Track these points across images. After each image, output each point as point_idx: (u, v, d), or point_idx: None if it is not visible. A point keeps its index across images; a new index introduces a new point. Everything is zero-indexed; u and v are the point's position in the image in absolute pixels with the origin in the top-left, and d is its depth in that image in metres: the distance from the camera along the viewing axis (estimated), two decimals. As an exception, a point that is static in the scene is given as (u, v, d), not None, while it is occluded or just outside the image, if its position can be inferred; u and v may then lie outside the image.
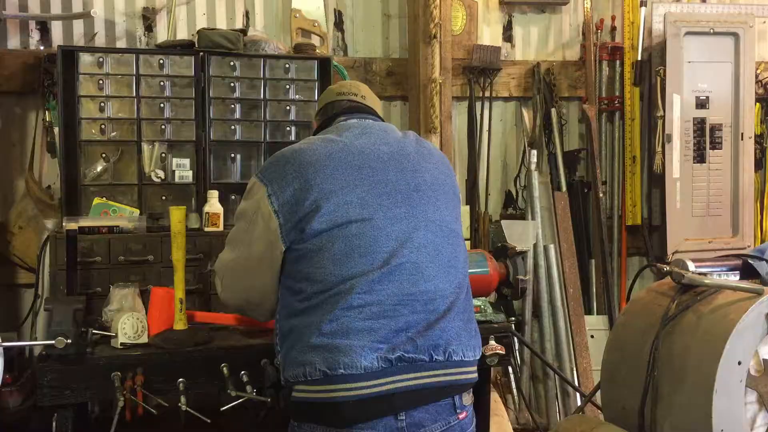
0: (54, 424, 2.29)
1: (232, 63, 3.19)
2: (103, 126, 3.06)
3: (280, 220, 1.86)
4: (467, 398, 1.93)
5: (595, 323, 3.98)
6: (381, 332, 1.78)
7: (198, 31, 3.22)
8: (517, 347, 3.75)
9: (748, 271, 2.24)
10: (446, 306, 1.87)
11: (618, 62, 4.13)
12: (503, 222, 3.86)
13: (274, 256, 1.89)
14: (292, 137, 3.28)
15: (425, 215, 1.90)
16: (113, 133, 3.09)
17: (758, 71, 4.16)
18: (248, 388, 2.29)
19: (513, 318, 2.76)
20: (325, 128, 2.08)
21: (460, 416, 1.89)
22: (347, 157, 1.89)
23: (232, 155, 3.26)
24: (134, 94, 3.09)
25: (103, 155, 3.09)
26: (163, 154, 3.14)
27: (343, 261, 1.81)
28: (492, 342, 2.52)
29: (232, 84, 3.19)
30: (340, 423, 1.78)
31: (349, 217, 1.82)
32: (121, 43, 3.52)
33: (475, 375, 1.93)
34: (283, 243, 1.86)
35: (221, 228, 2.98)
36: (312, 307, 1.81)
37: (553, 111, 4.01)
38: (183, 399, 2.26)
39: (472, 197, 3.94)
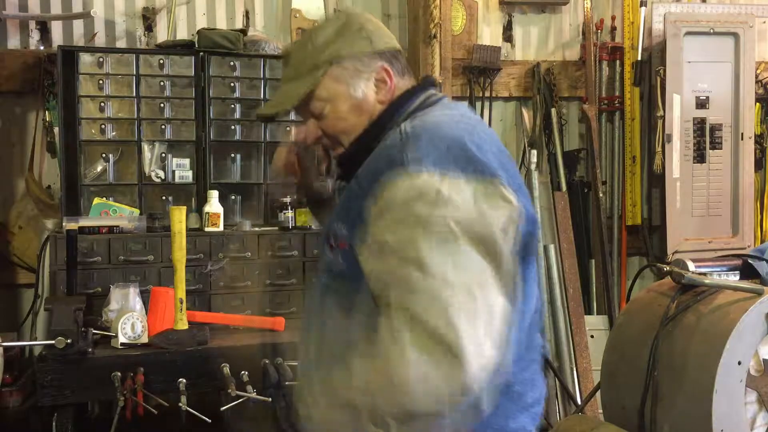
0: (54, 424, 2.30)
1: (232, 63, 3.19)
2: (103, 126, 3.06)
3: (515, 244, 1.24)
4: None
5: (595, 323, 3.98)
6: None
7: (198, 31, 3.22)
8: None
9: (748, 271, 2.24)
10: None
11: (618, 62, 4.12)
12: (503, 222, 3.85)
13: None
14: (293, 137, 3.26)
15: None
16: (113, 133, 3.09)
17: (758, 71, 4.15)
18: (248, 388, 2.30)
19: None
20: (416, 94, 1.45)
21: None
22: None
23: (232, 155, 3.26)
24: (134, 94, 3.09)
25: (103, 155, 3.09)
26: (163, 154, 3.14)
27: (531, 291, 1.36)
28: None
29: (232, 84, 3.19)
30: None
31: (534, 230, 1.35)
32: (121, 43, 3.51)
33: None
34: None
35: (221, 228, 2.98)
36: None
37: (553, 111, 4.01)
38: (183, 399, 2.26)
39: (472, 197, 3.93)
